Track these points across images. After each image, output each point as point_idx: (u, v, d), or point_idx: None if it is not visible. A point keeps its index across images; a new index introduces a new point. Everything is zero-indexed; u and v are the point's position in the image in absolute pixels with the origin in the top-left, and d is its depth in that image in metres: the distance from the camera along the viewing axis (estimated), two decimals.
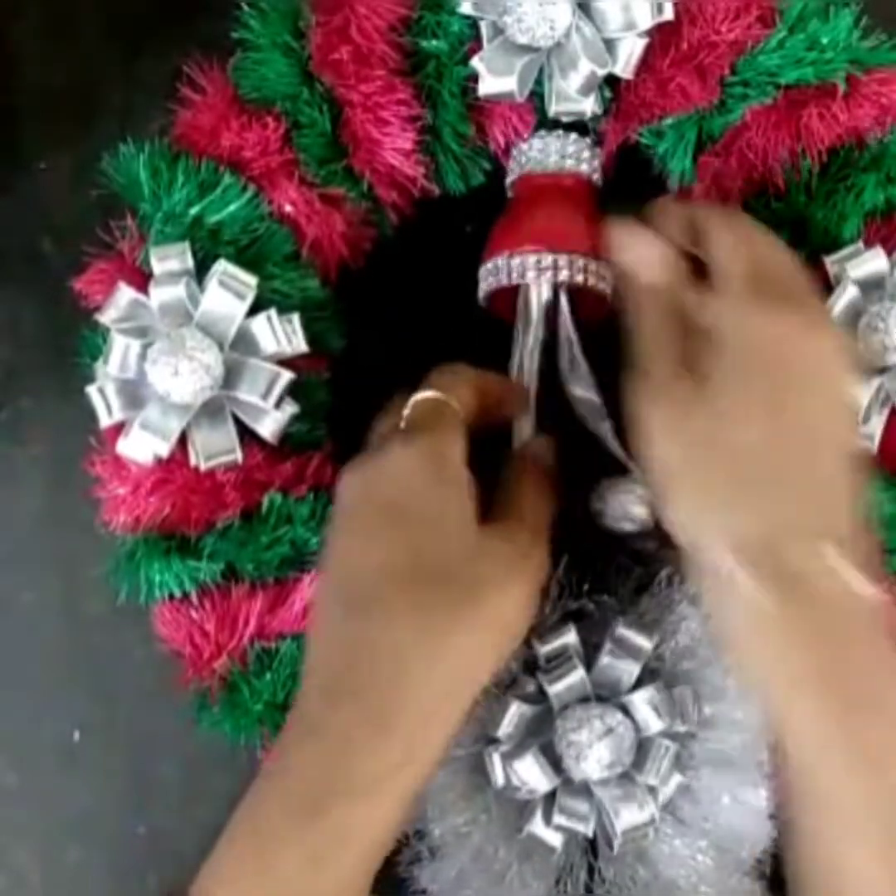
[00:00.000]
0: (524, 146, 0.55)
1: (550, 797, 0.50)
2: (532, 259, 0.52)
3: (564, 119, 0.53)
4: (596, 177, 0.55)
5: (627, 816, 0.49)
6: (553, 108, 0.52)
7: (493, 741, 0.50)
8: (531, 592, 0.46)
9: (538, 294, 0.53)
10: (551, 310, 0.53)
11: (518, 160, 0.55)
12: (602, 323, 0.54)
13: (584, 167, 0.54)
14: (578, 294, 0.53)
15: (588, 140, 0.54)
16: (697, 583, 0.49)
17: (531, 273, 0.52)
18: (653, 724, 0.49)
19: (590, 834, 0.50)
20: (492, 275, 0.53)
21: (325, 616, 0.45)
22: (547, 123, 0.55)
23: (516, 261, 0.53)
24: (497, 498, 0.48)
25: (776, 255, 0.49)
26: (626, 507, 0.51)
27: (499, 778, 0.50)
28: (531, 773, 0.49)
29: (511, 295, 0.54)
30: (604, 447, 0.53)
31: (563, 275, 0.52)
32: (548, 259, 0.52)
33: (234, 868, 0.42)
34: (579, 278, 0.52)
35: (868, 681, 0.44)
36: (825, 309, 0.51)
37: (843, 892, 0.44)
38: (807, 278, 0.49)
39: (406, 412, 0.47)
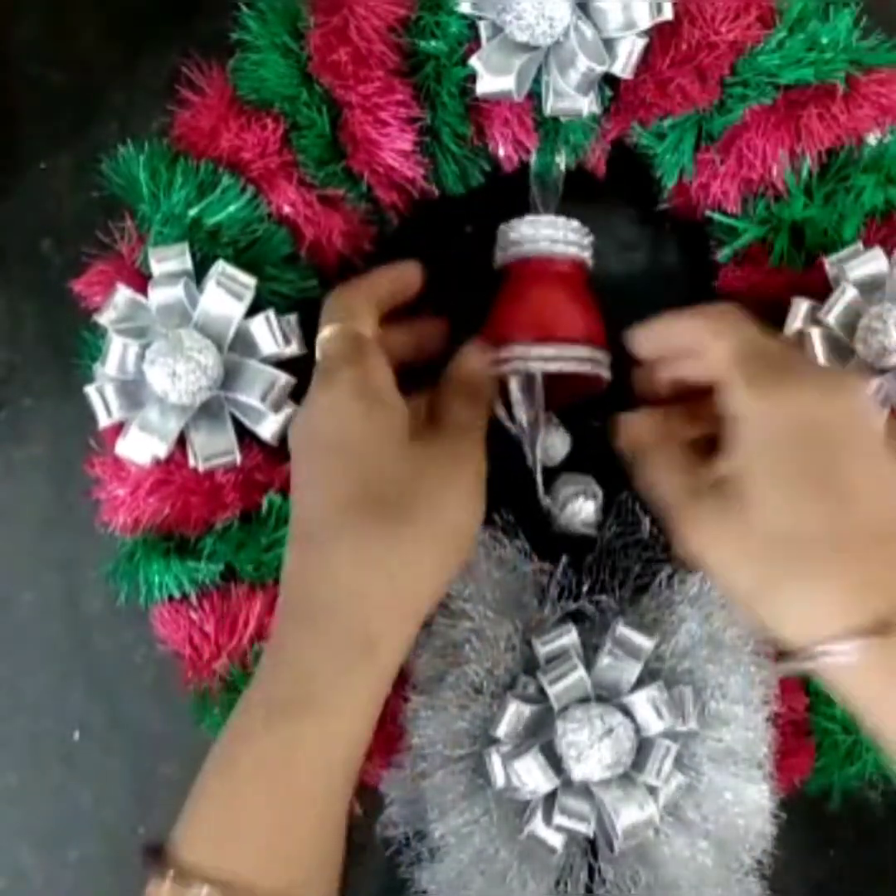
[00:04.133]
0: (514, 229, 0.54)
1: (551, 798, 0.50)
2: (533, 351, 0.52)
3: (562, 117, 0.53)
4: (588, 256, 0.55)
5: (628, 817, 0.49)
6: (550, 106, 0.52)
7: (494, 741, 0.50)
8: (469, 493, 0.48)
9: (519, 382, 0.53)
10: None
11: (505, 239, 0.55)
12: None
13: (574, 250, 0.54)
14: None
15: (576, 223, 0.54)
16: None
17: (535, 364, 0.52)
18: (653, 724, 0.49)
19: (590, 834, 0.50)
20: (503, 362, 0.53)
21: (289, 551, 0.48)
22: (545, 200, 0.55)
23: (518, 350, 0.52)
24: (433, 403, 0.51)
25: (759, 336, 0.48)
26: (576, 507, 0.54)
27: (499, 778, 0.50)
28: (531, 774, 0.49)
29: None
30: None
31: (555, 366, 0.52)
32: (549, 351, 0.52)
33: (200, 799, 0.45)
34: (570, 367, 0.52)
35: None
36: (830, 372, 0.50)
37: None
38: (796, 347, 0.50)
39: (322, 351, 0.50)
